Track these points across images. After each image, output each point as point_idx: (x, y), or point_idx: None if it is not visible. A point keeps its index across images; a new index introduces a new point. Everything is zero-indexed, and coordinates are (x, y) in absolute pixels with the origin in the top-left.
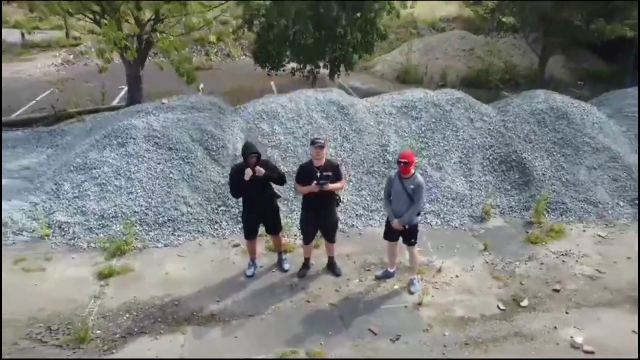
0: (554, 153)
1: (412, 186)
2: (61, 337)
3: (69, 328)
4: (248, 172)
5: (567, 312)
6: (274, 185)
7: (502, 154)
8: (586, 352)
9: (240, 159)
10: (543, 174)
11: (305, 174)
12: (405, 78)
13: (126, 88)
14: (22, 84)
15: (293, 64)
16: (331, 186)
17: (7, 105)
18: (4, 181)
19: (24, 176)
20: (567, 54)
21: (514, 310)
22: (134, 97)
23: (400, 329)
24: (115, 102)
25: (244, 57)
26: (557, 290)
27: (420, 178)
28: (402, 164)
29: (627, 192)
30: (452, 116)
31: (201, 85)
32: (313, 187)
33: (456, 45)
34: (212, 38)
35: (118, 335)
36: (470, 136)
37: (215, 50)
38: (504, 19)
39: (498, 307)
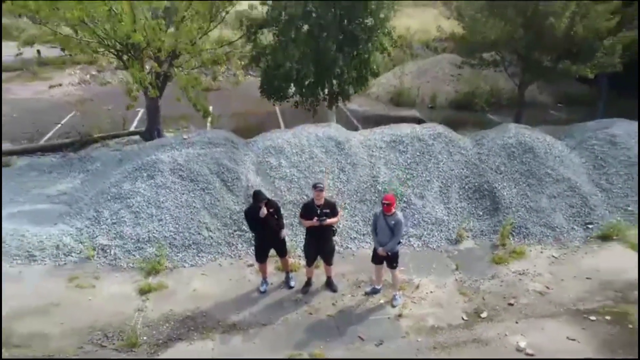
0: (520, 183)
1: (393, 222)
2: (116, 342)
3: (121, 335)
4: (263, 212)
5: (517, 322)
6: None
7: (476, 183)
8: (527, 354)
9: (252, 190)
10: (510, 202)
11: (308, 211)
12: (399, 100)
13: (142, 110)
14: (45, 105)
15: (296, 97)
16: (329, 221)
17: (36, 130)
18: (46, 206)
19: (63, 201)
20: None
21: (475, 321)
22: (153, 123)
23: (383, 336)
24: (133, 126)
25: (249, 77)
26: (511, 304)
27: (399, 215)
28: (385, 205)
29: (581, 217)
30: (434, 150)
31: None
32: (314, 222)
33: (446, 69)
34: (222, 67)
35: (161, 341)
36: (449, 168)
37: (223, 71)
38: (484, 55)
39: (462, 318)
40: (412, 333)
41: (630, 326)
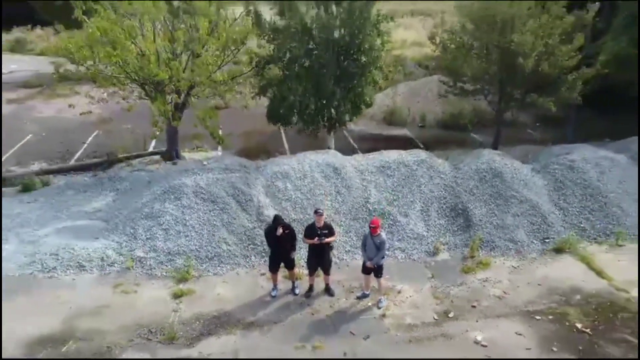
0: (489, 203)
1: (378, 241)
2: (159, 337)
3: (162, 331)
4: (279, 231)
5: (477, 321)
6: None
7: (452, 203)
8: (482, 345)
9: (263, 210)
10: (480, 220)
11: (311, 231)
12: (391, 119)
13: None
14: (69, 124)
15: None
16: (327, 239)
17: (65, 149)
18: (85, 222)
19: (100, 217)
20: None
21: (444, 320)
22: (172, 145)
23: (370, 332)
24: (152, 145)
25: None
26: (474, 306)
27: (383, 236)
28: (372, 228)
29: (540, 233)
30: (417, 174)
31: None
32: (316, 241)
33: (435, 90)
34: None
35: (194, 336)
36: (429, 190)
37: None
38: (465, 87)
39: (433, 317)
40: (393, 329)
41: (567, 324)
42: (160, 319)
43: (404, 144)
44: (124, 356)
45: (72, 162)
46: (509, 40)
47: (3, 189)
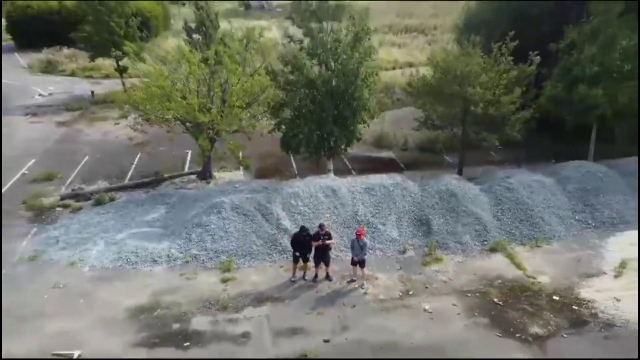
0: (445, 216)
1: (362, 244)
2: (216, 307)
3: (217, 303)
4: (318, 243)
5: (427, 297)
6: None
7: (418, 216)
8: (429, 312)
9: (281, 221)
10: (438, 228)
11: (316, 236)
12: (379, 143)
13: (190, 152)
14: (115, 147)
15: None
16: (327, 242)
17: (119, 170)
18: (148, 229)
19: (158, 225)
20: None
21: (405, 296)
22: (207, 167)
23: (355, 303)
24: (187, 166)
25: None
26: (427, 287)
27: (366, 240)
28: (357, 235)
29: (481, 237)
30: (393, 194)
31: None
32: (320, 243)
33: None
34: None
35: (239, 306)
36: (402, 206)
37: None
38: (434, 122)
39: (398, 294)
40: (371, 302)
41: (488, 299)
42: (215, 295)
43: (389, 164)
44: (194, 320)
45: (127, 181)
46: (465, 91)
47: (79, 204)
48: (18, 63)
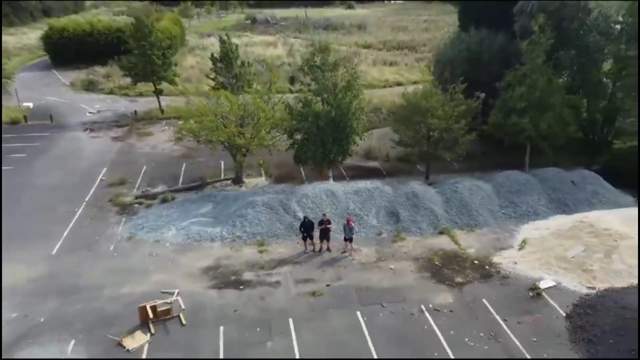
0: (410, 210)
1: (350, 228)
2: (257, 267)
3: (257, 265)
4: (319, 226)
5: (392, 262)
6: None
7: (391, 210)
8: (392, 269)
9: (296, 213)
10: (403, 218)
11: (320, 223)
12: (368, 155)
13: (223, 162)
14: (163, 158)
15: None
16: (328, 226)
17: (172, 176)
18: (202, 219)
19: (209, 217)
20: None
21: (379, 260)
22: (240, 174)
23: (346, 265)
24: (222, 173)
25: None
26: (393, 255)
27: (353, 225)
28: (347, 222)
29: (433, 224)
30: (374, 194)
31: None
32: (322, 226)
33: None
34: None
35: (271, 267)
36: (380, 203)
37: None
38: (406, 142)
39: (374, 260)
40: (356, 264)
41: (432, 262)
42: (255, 260)
43: (374, 172)
44: (244, 274)
45: (180, 185)
46: (427, 120)
47: (150, 201)
48: (60, 81)
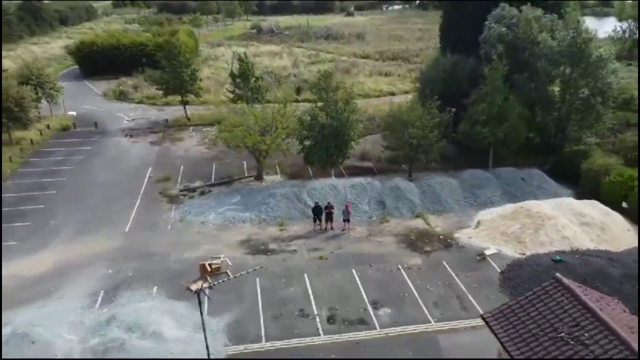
0: (394, 199)
1: (347, 212)
2: (279, 239)
3: (279, 239)
4: (325, 211)
5: (380, 236)
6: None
7: (379, 199)
8: (379, 242)
9: (310, 203)
10: (389, 206)
11: (326, 208)
12: (364, 157)
13: (245, 162)
14: (196, 159)
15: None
16: (331, 210)
17: (205, 174)
18: (233, 206)
19: (239, 205)
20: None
21: (369, 236)
22: (260, 171)
23: (344, 238)
24: (245, 172)
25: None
26: (380, 233)
27: (350, 210)
28: (346, 207)
29: (411, 210)
30: (367, 188)
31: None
32: (327, 210)
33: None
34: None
35: (290, 240)
36: (371, 194)
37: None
38: (392, 146)
39: (366, 235)
40: (352, 238)
41: (405, 237)
42: (277, 235)
43: (368, 170)
44: (270, 245)
45: (213, 181)
46: (408, 130)
47: (191, 194)
48: (93, 91)
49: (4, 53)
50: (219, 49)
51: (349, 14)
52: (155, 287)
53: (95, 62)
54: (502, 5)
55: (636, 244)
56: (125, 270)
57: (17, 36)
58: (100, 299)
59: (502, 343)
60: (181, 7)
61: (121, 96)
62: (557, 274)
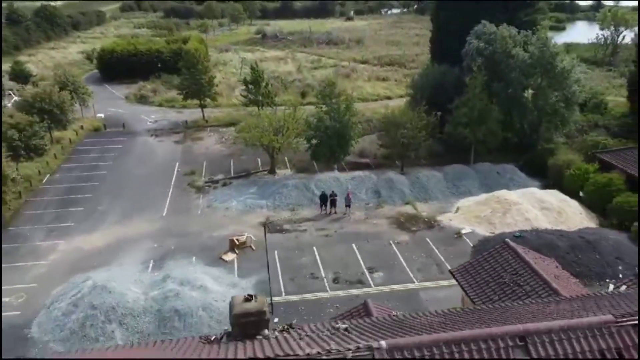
0: (387, 189)
1: (349, 198)
2: (292, 221)
3: (292, 220)
4: (332, 197)
5: (375, 218)
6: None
7: (375, 189)
8: (375, 224)
9: (317, 192)
10: (384, 194)
11: (330, 195)
12: (362, 154)
13: (259, 158)
14: (215, 156)
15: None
16: (335, 198)
17: (225, 168)
18: (251, 196)
19: (257, 194)
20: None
21: (367, 218)
22: (273, 167)
23: (346, 221)
24: (260, 166)
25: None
26: (375, 216)
27: (351, 197)
28: (347, 194)
29: (402, 198)
30: (365, 180)
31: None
32: (331, 198)
33: (378, 142)
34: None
35: (300, 222)
36: (369, 185)
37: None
38: (387, 145)
39: (363, 218)
40: (352, 221)
41: (398, 220)
42: (290, 218)
43: (366, 166)
44: (284, 225)
45: (232, 174)
46: (400, 131)
47: (215, 185)
48: (115, 95)
49: (25, 58)
50: (226, 54)
51: (349, 19)
52: (194, 257)
53: (115, 68)
54: (484, 22)
55: (585, 224)
56: (167, 244)
57: (35, 41)
58: (151, 265)
59: (462, 288)
60: (187, 12)
61: (142, 99)
62: (506, 239)
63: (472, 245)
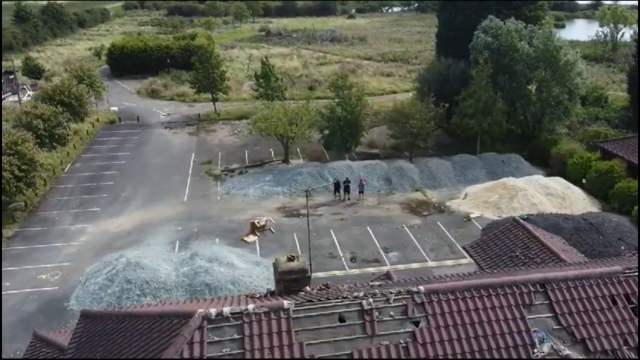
0: (397, 177)
1: (362, 185)
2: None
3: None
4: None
5: (387, 204)
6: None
7: (385, 177)
8: (387, 209)
9: (327, 177)
10: (394, 181)
11: (344, 182)
12: (371, 145)
13: (272, 149)
14: (230, 146)
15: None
16: (349, 184)
17: (240, 158)
18: (267, 184)
19: (272, 181)
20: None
21: (379, 205)
22: (287, 156)
23: (358, 207)
24: (273, 156)
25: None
26: (387, 202)
27: (364, 183)
28: (361, 181)
29: (411, 185)
30: (375, 168)
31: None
32: (345, 185)
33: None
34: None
35: (316, 207)
36: (380, 172)
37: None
38: (396, 135)
39: (376, 204)
40: (365, 206)
41: (410, 206)
42: (304, 204)
43: (375, 155)
44: (300, 211)
45: (247, 163)
46: (409, 122)
47: (231, 174)
48: (126, 89)
49: (34, 54)
50: (232, 51)
51: (351, 17)
52: (217, 239)
53: (125, 63)
54: (490, 17)
55: (588, 209)
56: (190, 227)
57: (42, 38)
58: (177, 245)
59: (476, 262)
60: (190, 10)
61: (153, 94)
62: (516, 216)
63: (481, 228)
